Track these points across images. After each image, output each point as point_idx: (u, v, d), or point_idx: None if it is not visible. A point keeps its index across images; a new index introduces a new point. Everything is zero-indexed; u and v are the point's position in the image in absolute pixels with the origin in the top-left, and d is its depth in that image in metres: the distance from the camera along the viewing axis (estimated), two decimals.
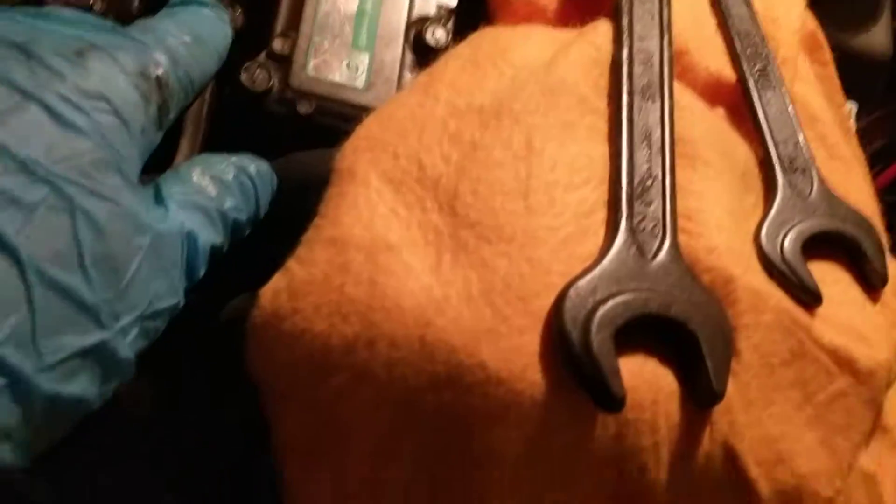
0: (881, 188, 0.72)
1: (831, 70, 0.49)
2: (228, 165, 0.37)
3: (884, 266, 0.39)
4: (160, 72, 0.34)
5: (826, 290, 0.37)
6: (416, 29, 0.47)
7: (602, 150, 0.38)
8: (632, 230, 0.35)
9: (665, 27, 0.42)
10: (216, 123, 0.44)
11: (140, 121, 0.32)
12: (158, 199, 0.33)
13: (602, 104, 0.39)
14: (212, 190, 0.36)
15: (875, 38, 0.56)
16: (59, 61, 0.30)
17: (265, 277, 0.35)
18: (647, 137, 0.38)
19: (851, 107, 0.54)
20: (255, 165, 0.38)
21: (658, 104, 0.39)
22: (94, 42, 0.32)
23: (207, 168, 0.36)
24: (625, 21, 0.41)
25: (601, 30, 0.41)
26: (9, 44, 0.29)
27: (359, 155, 0.36)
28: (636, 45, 0.41)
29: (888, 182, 0.73)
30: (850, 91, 0.52)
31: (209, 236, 0.35)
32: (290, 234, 0.36)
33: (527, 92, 0.37)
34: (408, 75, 0.46)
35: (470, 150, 0.36)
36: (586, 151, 0.37)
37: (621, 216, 0.35)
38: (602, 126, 0.38)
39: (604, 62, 0.40)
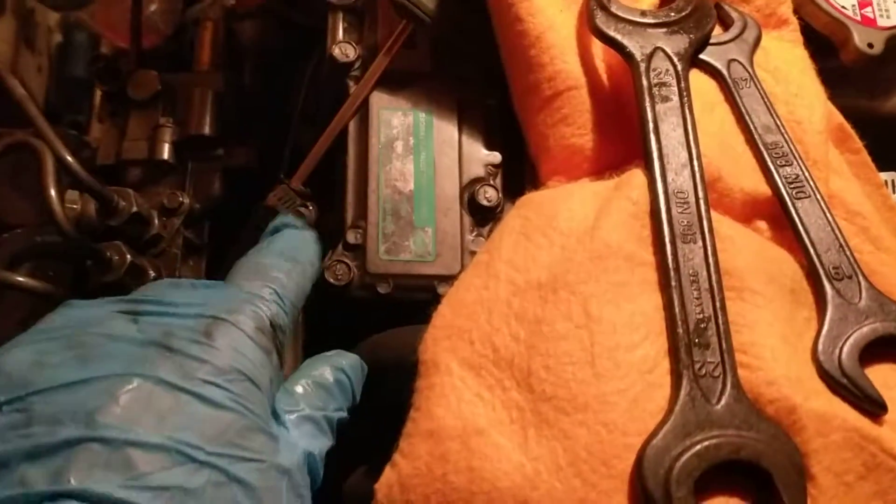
0: None
1: (864, 156, 0.51)
2: (326, 368, 0.42)
3: None
4: (275, 318, 0.40)
5: (890, 395, 0.40)
6: (468, 192, 0.52)
7: (655, 300, 0.41)
8: (694, 378, 0.38)
9: (695, 162, 0.45)
10: (308, 317, 0.49)
11: (268, 374, 0.38)
12: (278, 421, 0.39)
13: (648, 255, 0.43)
14: (317, 400, 0.41)
15: None
16: (196, 348, 0.36)
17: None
18: (696, 279, 0.42)
19: (893, 178, 0.55)
20: (346, 361, 0.43)
21: (700, 244, 0.43)
22: (216, 314, 0.38)
23: (309, 377, 0.42)
24: (657, 166, 0.45)
25: (636, 181, 0.45)
26: (155, 344, 0.35)
27: (439, 345, 0.41)
28: (670, 186, 0.44)
29: None
30: (891, 153, 0.54)
31: (323, 445, 0.40)
32: (385, 413, 0.41)
33: (577, 262, 0.41)
34: (468, 238, 0.51)
35: (535, 326, 0.40)
36: (641, 308, 0.41)
37: (683, 367, 0.39)
38: (652, 276, 0.42)
39: (643, 213, 0.44)
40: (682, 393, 0.38)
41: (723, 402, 0.38)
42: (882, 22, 0.54)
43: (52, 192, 0.52)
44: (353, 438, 0.46)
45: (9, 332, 0.37)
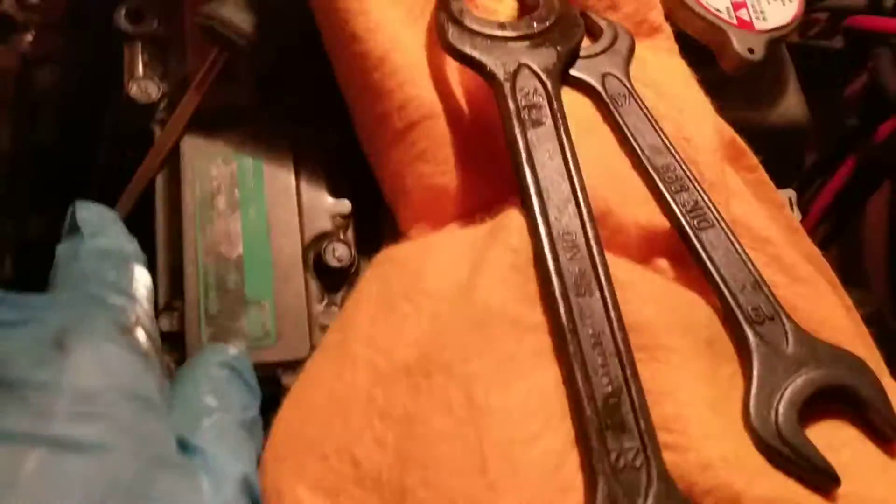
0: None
1: (761, 173, 0.45)
2: (212, 367, 0.33)
3: (889, 409, 0.35)
4: (139, 319, 0.30)
5: (838, 460, 0.33)
6: (314, 252, 0.42)
7: (553, 373, 0.33)
8: (612, 472, 0.30)
9: (580, 194, 0.38)
10: None
11: (153, 384, 0.29)
12: (186, 447, 0.29)
13: (538, 315, 0.34)
14: (225, 403, 0.32)
15: (790, 107, 0.53)
16: (44, 372, 0.25)
17: None
18: (598, 341, 0.34)
19: (790, 196, 0.50)
20: (230, 352, 0.35)
21: (598, 296, 0.35)
22: (62, 323, 0.27)
23: (197, 381, 0.33)
24: (535, 203, 0.37)
25: (513, 225, 0.37)
26: None
27: (281, 465, 0.31)
28: (555, 228, 0.37)
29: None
30: (780, 166, 0.48)
31: (253, 459, 0.31)
32: None
33: (452, 334, 0.33)
34: (317, 308, 0.41)
35: (406, 426, 0.31)
36: (537, 386, 0.32)
37: (596, 460, 0.30)
38: (545, 342, 0.34)
39: (525, 264, 0.35)
40: (600, 496, 0.30)
41: (650, 500, 0.30)
42: (759, 25, 0.49)
43: None
44: None
45: None
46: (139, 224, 0.42)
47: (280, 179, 0.43)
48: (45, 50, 0.62)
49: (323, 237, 0.43)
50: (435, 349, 0.32)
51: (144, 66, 0.44)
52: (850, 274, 0.74)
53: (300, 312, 0.40)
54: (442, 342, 0.33)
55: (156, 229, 0.41)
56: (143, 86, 0.43)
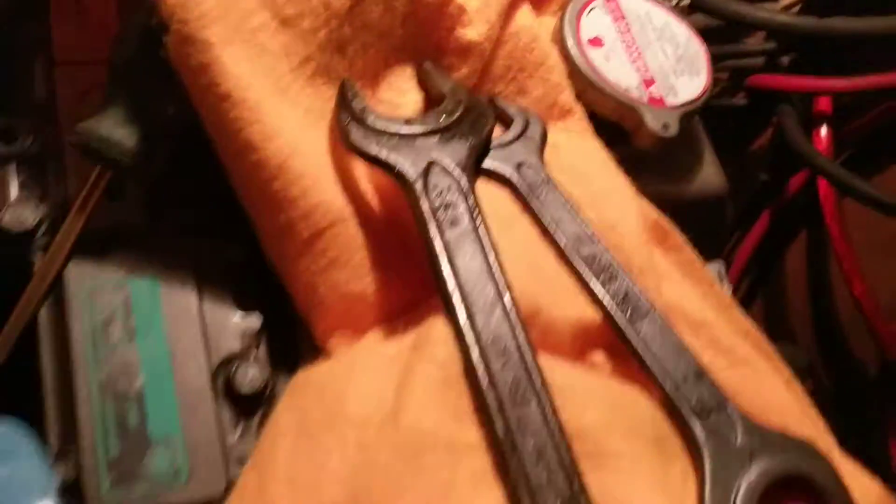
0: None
1: (688, 252, 0.44)
2: None
3: (845, 494, 0.33)
4: None
5: None
6: (223, 376, 0.39)
7: (495, 497, 0.30)
8: None
9: (506, 295, 0.35)
10: None
11: None
12: None
13: (474, 434, 0.32)
14: None
15: (708, 178, 0.52)
16: None
17: None
18: (541, 455, 0.31)
19: (719, 269, 0.49)
20: None
21: (535, 404, 0.32)
22: None
23: None
24: (461, 312, 0.35)
25: (438, 336, 0.34)
26: None
27: None
28: (483, 335, 0.34)
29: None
30: (705, 237, 0.47)
31: None
32: None
33: (381, 466, 0.30)
34: (231, 439, 0.37)
35: None
36: None
37: None
38: (484, 463, 0.31)
39: (455, 379, 0.33)
40: None
41: None
42: (671, 100, 0.48)
43: None
44: None
45: None
46: (20, 368, 0.38)
47: (180, 300, 0.40)
48: None
49: (232, 359, 0.39)
50: (363, 485, 0.29)
51: (20, 188, 0.41)
52: (777, 328, 0.75)
53: (212, 446, 0.36)
54: (370, 478, 0.29)
55: (42, 370, 0.37)
56: (17, 213, 0.39)
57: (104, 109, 0.38)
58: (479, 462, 0.31)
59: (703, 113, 0.52)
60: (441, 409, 0.32)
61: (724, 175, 0.53)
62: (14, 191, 0.40)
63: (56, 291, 0.38)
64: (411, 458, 0.30)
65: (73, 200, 0.39)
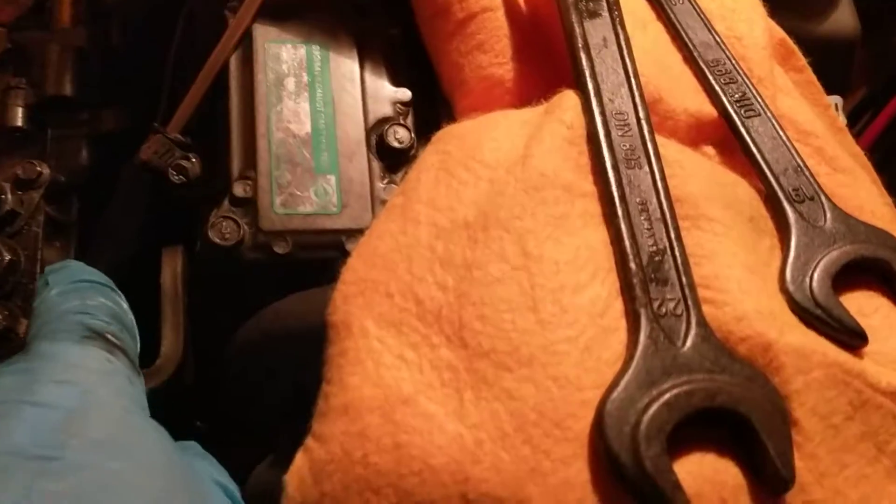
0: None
1: (809, 74, 0.47)
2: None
3: None
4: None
5: (868, 323, 0.35)
6: (376, 134, 0.45)
7: (601, 234, 0.35)
8: (654, 317, 0.33)
9: (633, 80, 0.40)
10: (193, 286, 0.42)
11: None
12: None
13: (589, 185, 0.37)
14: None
15: (840, 19, 0.54)
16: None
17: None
18: (645, 208, 0.36)
19: (837, 101, 0.51)
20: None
21: (647, 169, 0.37)
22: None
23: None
24: (590, 85, 0.39)
25: (568, 103, 0.39)
26: None
27: (350, 302, 0.34)
28: (608, 108, 0.39)
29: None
30: (829, 77, 0.50)
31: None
32: (295, 394, 0.34)
33: (509, 195, 0.35)
34: (379, 185, 0.44)
35: (465, 271, 0.33)
36: (586, 242, 0.35)
37: (639, 305, 0.33)
38: (595, 208, 0.36)
39: (579, 138, 0.38)
40: (642, 336, 0.32)
41: (689, 343, 0.32)
42: None
43: None
44: (258, 425, 0.39)
45: None
46: (211, 106, 0.45)
47: (345, 66, 0.46)
48: None
49: (385, 121, 0.45)
50: (492, 207, 0.35)
51: None
52: None
53: (363, 187, 0.43)
54: (498, 202, 0.35)
55: (230, 107, 0.44)
56: None
57: None
58: (591, 206, 0.36)
59: None
60: (564, 160, 0.37)
61: (858, 21, 0.54)
62: None
63: (245, 46, 0.45)
64: (534, 190, 0.35)
65: None
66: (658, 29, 0.45)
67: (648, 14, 0.45)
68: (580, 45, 0.41)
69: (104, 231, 0.46)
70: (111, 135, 0.57)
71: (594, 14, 0.42)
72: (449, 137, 0.39)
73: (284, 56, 0.45)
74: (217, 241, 0.40)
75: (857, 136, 0.71)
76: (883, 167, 0.76)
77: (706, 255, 0.35)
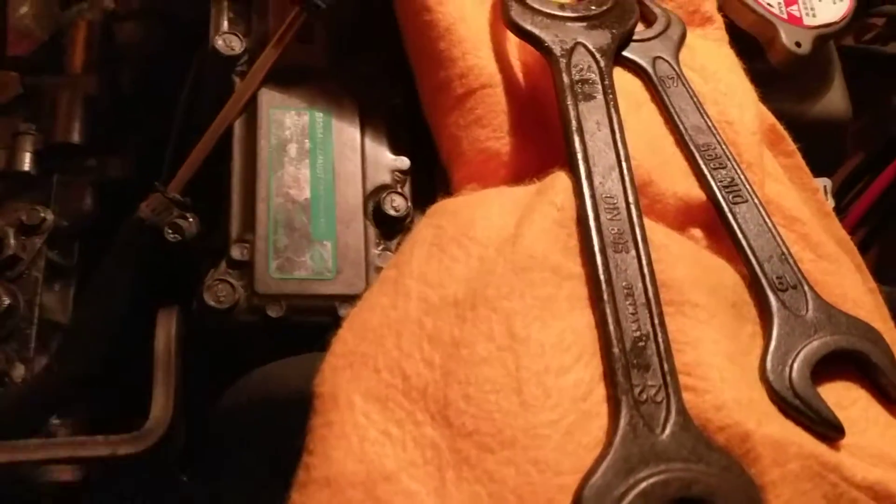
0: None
1: (798, 159, 0.48)
2: None
3: None
4: None
5: (845, 415, 0.36)
6: (374, 201, 0.46)
7: (587, 318, 0.36)
8: (634, 404, 0.33)
9: (623, 163, 0.41)
10: (187, 345, 0.42)
11: None
12: None
13: (576, 267, 0.38)
14: None
15: (833, 103, 0.55)
16: None
17: None
18: (631, 293, 0.37)
19: (826, 184, 0.52)
20: None
21: (633, 253, 0.38)
22: None
23: None
24: (582, 168, 0.40)
25: (560, 185, 0.40)
26: None
27: (338, 375, 0.35)
28: (598, 191, 0.40)
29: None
30: (820, 157, 0.51)
31: None
32: (277, 461, 0.35)
33: (498, 275, 0.36)
34: (374, 252, 0.45)
35: (452, 349, 0.34)
36: (571, 325, 0.35)
37: (621, 392, 0.33)
38: (582, 291, 0.37)
39: (569, 220, 0.39)
40: (622, 422, 0.33)
41: (668, 430, 0.33)
42: (808, 21, 0.51)
43: None
44: (239, 490, 0.40)
45: None
46: (214, 165, 0.47)
47: (347, 134, 0.47)
48: (127, 7, 0.67)
49: (383, 188, 0.46)
50: (481, 286, 0.36)
51: (230, 22, 0.48)
52: (889, 275, 0.76)
53: (358, 253, 0.44)
54: (487, 281, 0.36)
55: (231, 170, 0.45)
56: (227, 40, 0.47)
57: None
58: (577, 289, 0.37)
59: (850, 56, 0.54)
60: (553, 242, 0.38)
61: (849, 104, 0.56)
62: (225, 23, 0.48)
63: (250, 111, 0.46)
64: (522, 271, 0.36)
65: (272, 37, 0.47)
66: (652, 110, 0.46)
67: (643, 95, 0.46)
68: (574, 128, 0.42)
69: (97, 284, 0.46)
70: (116, 182, 0.58)
71: (589, 97, 0.43)
72: (443, 212, 0.40)
73: (288, 122, 0.46)
74: (212, 303, 0.41)
75: (848, 203, 0.72)
76: (874, 237, 0.78)
77: (689, 342, 0.36)
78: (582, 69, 0.44)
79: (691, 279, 0.38)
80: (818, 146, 0.51)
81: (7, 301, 0.52)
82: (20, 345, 0.53)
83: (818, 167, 0.51)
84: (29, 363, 0.51)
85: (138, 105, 0.62)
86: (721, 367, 0.35)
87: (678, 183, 0.43)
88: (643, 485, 0.31)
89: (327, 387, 0.34)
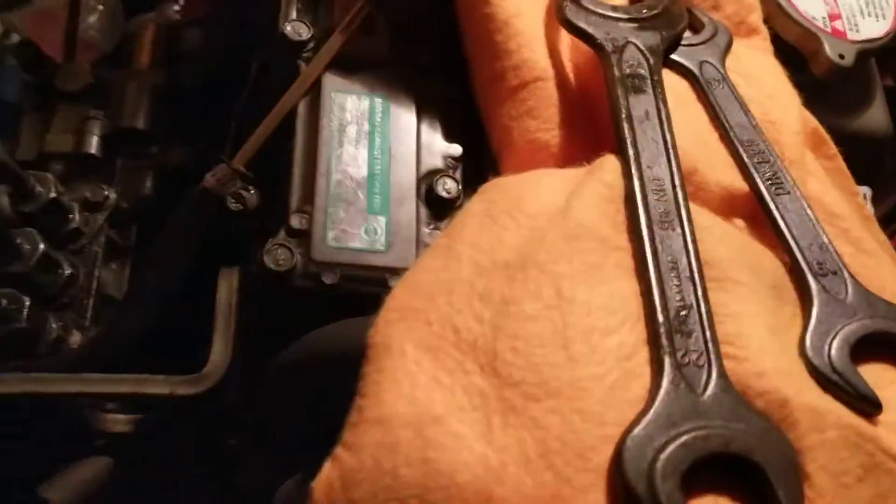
0: None
1: (839, 162, 0.49)
2: None
3: None
4: None
5: (882, 395, 0.36)
6: (426, 183, 0.48)
7: (632, 286, 0.38)
8: (677, 366, 0.34)
9: (671, 151, 0.43)
10: (245, 307, 0.44)
11: None
12: None
13: (623, 240, 0.39)
14: None
15: (873, 118, 0.57)
16: None
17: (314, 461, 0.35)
18: (675, 267, 0.38)
19: (866, 192, 0.54)
20: None
21: (679, 231, 0.39)
22: None
23: None
24: (630, 152, 0.42)
25: (609, 166, 0.41)
26: None
27: (391, 327, 0.36)
28: (646, 174, 0.41)
29: None
30: (858, 172, 0.52)
31: None
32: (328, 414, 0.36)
33: (548, 241, 0.38)
34: (424, 230, 0.47)
35: (502, 306, 0.36)
36: (617, 291, 0.37)
37: (664, 353, 0.35)
38: (628, 262, 0.38)
39: (617, 198, 0.40)
40: (665, 381, 0.34)
41: (709, 392, 0.34)
42: (852, 35, 0.53)
43: None
44: (289, 444, 0.41)
45: None
46: (275, 146, 0.49)
47: (404, 120, 0.49)
48: (191, 15, 0.71)
49: (435, 172, 0.48)
50: (531, 251, 0.37)
51: (298, 12, 0.51)
52: None
53: (410, 230, 0.46)
54: (538, 246, 0.37)
55: (294, 146, 0.47)
56: (296, 27, 0.50)
57: None
58: (624, 260, 0.38)
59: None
60: (602, 215, 0.39)
61: (890, 120, 0.57)
62: (294, 12, 0.51)
63: (314, 93, 0.48)
64: (572, 239, 0.38)
65: (336, 26, 0.49)
66: (698, 109, 0.48)
67: (690, 95, 0.48)
68: (623, 116, 0.44)
69: (159, 247, 0.49)
70: (176, 169, 0.61)
71: (639, 90, 0.45)
72: (494, 188, 0.42)
73: (349, 105, 0.48)
74: (271, 266, 0.43)
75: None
76: None
77: (730, 315, 0.37)
78: (632, 65, 0.46)
79: (734, 259, 0.40)
80: (857, 160, 0.52)
81: (68, 271, 0.54)
82: (78, 314, 0.55)
83: (857, 180, 0.52)
84: (85, 332, 0.54)
85: (202, 99, 0.64)
86: (761, 338, 0.36)
87: (722, 173, 0.44)
88: (684, 437, 0.32)
89: (380, 337, 0.36)
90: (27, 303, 0.49)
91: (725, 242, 0.40)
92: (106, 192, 0.58)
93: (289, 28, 0.50)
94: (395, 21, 0.50)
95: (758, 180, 0.44)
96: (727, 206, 0.44)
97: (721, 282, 0.39)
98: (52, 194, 0.53)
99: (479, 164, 0.50)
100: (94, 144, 0.60)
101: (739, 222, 0.44)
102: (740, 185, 0.44)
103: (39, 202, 0.52)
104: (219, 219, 0.47)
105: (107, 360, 0.48)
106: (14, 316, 0.49)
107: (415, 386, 0.34)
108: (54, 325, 0.52)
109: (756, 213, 0.44)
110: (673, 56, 0.50)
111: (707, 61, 0.50)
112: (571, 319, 0.35)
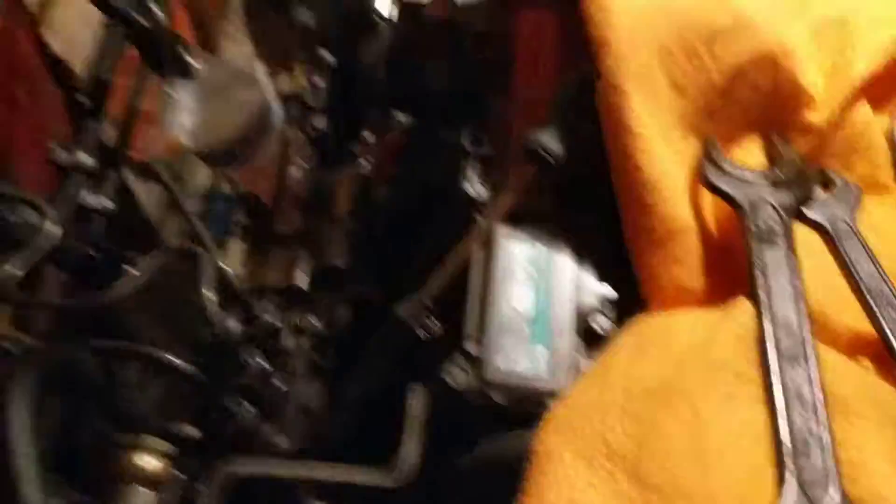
0: None
1: None
2: None
3: None
4: None
5: None
6: (583, 320, 0.56)
7: (762, 415, 0.43)
8: (800, 484, 0.40)
9: (800, 296, 0.49)
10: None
11: None
12: None
13: (755, 374, 0.45)
14: None
15: None
16: None
17: None
18: (799, 397, 0.44)
19: None
20: None
21: (804, 366, 0.45)
22: None
23: None
24: (763, 297, 0.48)
25: (742, 308, 0.48)
26: None
27: (551, 437, 0.44)
28: (776, 316, 0.47)
29: None
30: None
31: None
32: None
33: (690, 372, 0.44)
34: (581, 360, 0.54)
35: (648, 426, 0.42)
36: (748, 418, 0.43)
37: (789, 472, 0.40)
38: (758, 393, 0.44)
39: (750, 337, 0.46)
40: (789, 497, 0.39)
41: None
42: None
43: (210, 295, 0.58)
44: None
45: None
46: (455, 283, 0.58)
47: (564, 265, 0.58)
48: (382, 173, 0.83)
49: (591, 311, 0.56)
50: (676, 381, 0.44)
51: (477, 173, 0.62)
52: None
53: (568, 359, 0.53)
54: (681, 376, 0.44)
55: (469, 287, 0.56)
56: (476, 189, 0.60)
57: (545, 128, 0.57)
58: (755, 391, 0.44)
59: None
60: (737, 353, 0.46)
61: None
62: (473, 175, 0.62)
63: (487, 240, 0.58)
64: (711, 372, 0.44)
65: (509, 186, 0.59)
66: (829, 260, 0.53)
67: (821, 247, 0.54)
68: (757, 265, 0.50)
69: (365, 369, 0.58)
70: (367, 303, 0.72)
71: (772, 242, 0.52)
72: (643, 324, 0.50)
73: (517, 252, 0.57)
74: (451, 384, 0.51)
75: None
76: None
77: (853, 445, 0.42)
78: (767, 222, 0.53)
79: (858, 395, 0.44)
80: None
81: (279, 384, 0.65)
82: (283, 421, 0.65)
83: None
84: (287, 435, 0.64)
85: (388, 242, 0.76)
86: (882, 467, 0.41)
87: (850, 317, 0.49)
88: None
89: (543, 446, 0.43)
90: (249, 408, 0.60)
91: (851, 379, 0.45)
92: (311, 320, 0.69)
93: (471, 189, 0.60)
94: (558, 183, 0.60)
95: (884, 324, 0.49)
96: (854, 347, 0.49)
97: (845, 415, 0.44)
98: (273, 321, 0.64)
99: (629, 307, 0.57)
100: (302, 279, 0.72)
101: (866, 362, 0.49)
102: (868, 329, 0.49)
103: (262, 327, 0.64)
104: (407, 344, 0.57)
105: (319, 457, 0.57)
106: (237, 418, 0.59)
107: (573, 489, 0.41)
108: (266, 429, 0.62)
109: (883, 356, 0.48)
110: (806, 211, 0.56)
111: (837, 216, 0.56)
112: (707, 438, 0.41)
